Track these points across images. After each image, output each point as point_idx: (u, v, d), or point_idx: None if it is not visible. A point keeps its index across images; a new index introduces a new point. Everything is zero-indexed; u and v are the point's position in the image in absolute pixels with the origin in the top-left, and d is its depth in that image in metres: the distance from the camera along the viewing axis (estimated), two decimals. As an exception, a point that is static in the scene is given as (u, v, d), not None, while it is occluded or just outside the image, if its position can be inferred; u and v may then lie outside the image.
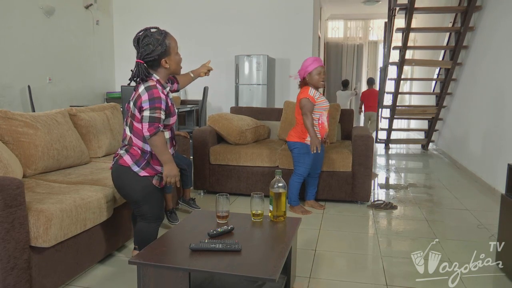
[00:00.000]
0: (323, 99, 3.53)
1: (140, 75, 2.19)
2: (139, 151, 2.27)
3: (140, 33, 2.21)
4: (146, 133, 2.15)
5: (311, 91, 3.48)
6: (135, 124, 2.25)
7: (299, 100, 3.50)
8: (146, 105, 2.14)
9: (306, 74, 3.49)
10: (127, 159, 2.27)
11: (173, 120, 2.30)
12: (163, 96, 2.18)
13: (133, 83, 2.30)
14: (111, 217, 2.55)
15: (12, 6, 5.60)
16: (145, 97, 2.15)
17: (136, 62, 2.20)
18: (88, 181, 2.64)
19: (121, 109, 4.08)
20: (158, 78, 2.24)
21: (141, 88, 2.19)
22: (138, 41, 2.19)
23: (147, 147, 2.27)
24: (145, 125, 2.14)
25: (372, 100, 8.35)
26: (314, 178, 3.74)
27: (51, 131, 2.84)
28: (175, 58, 2.27)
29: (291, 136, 3.61)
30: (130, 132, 2.28)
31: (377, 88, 8.71)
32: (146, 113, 2.14)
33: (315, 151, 3.40)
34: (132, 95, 2.27)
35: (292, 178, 3.58)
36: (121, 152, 2.31)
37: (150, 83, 2.20)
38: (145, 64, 2.20)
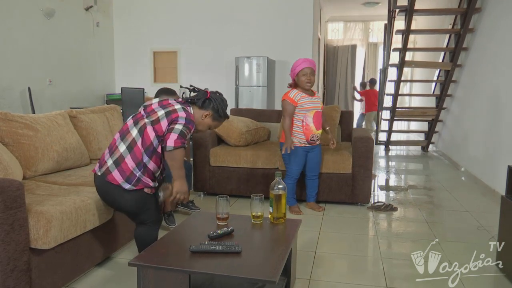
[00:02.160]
0: (307, 100, 3.48)
1: (198, 96, 2.38)
2: (133, 165, 2.18)
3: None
4: (171, 144, 2.11)
5: (292, 93, 3.48)
6: (148, 129, 2.18)
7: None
8: (182, 121, 2.18)
9: (294, 76, 3.49)
10: (117, 176, 2.18)
11: None
12: (193, 126, 2.28)
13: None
14: (111, 219, 2.55)
15: (13, 8, 5.61)
16: (182, 114, 2.21)
17: (207, 91, 2.42)
18: (88, 183, 2.64)
19: (121, 111, 4.08)
20: (193, 113, 2.32)
21: (178, 105, 2.26)
22: (220, 94, 2.45)
23: (146, 159, 2.20)
24: (174, 136, 2.13)
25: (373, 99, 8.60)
26: (311, 180, 3.73)
27: (51, 133, 2.84)
28: (205, 125, 2.42)
29: (281, 137, 3.66)
30: (140, 135, 2.20)
31: (377, 89, 8.84)
32: (179, 127, 2.16)
33: (283, 152, 3.45)
34: (162, 102, 2.30)
35: (285, 179, 3.60)
36: (109, 163, 2.20)
37: (188, 109, 2.29)
38: (208, 98, 2.38)
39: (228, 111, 2.52)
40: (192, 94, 2.47)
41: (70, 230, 2.16)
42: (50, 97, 6.37)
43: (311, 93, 3.55)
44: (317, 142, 3.61)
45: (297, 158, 3.56)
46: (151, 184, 2.27)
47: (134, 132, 2.21)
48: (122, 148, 2.20)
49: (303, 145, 3.55)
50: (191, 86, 2.50)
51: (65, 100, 6.67)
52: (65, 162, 2.94)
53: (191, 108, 2.34)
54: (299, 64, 3.46)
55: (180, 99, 2.44)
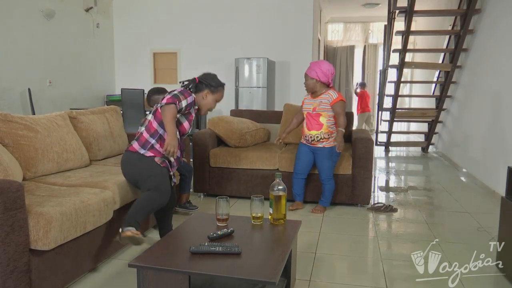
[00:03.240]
0: (306, 101, 3.67)
1: (189, 85, 2.74)
2: (147, 135, 2.60)
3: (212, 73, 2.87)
4: (163, 101, 2.54)
5: (306, 96, 3.75)
6: (159, 109, 2.59)
7: None
8: (177, 91, 2.62)
9: None
10: (135, 145, 2.62)
11: (185, 126, 2.71)
12: (192, 99, 2.65)
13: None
14: (111, 220, 2.55)
15: (13, 9, 5.62)
16: (179, 89, 2.66)
17: (194, 78, 2.78)
18: (88, 184, 2.64)
19: (121, 112, 4.08)
20: (195, 97, 2.71)
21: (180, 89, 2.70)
22: (205, 72, 2.85)
23: (161, 131, 2.59)
24: (168, 96, 2.57)
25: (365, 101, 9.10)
26: (323, 183, 3.72)
27: (51, 134, 2.84)
28: (210, 102, 2.81)
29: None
30: (153, 115, 2.64)
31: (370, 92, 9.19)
32: (175, 92, 2.60)
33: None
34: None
35: None
36: (132, 141, 2.67)
37: (187, 90, 2.70)
38: (198, 82, 2.76)
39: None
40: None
41: (70, 231, 2.16)
42: (50, 98, 6.37)
43: (315, 95, 3.61)
44: (317, 144, 3.58)
45: (298, 152, 3.76)
46: (164, 153, 2.57)
47: (150, 117, 2.67)
48: (142, 129, 2.66)
49: (305, 142, 3.70)
50: (180, 82, 2.81)
51: (65, 101, 6.67)
52: (65, 163, 2.94)
53: (193, 94, 2.71)
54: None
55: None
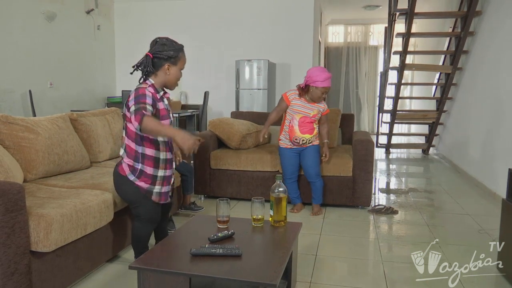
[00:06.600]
0: (299, 103, 3.59)
1: (146, 65, 2.26)
2: (132, 160, 2.33)
3: (162, 37, 2.32)
4: (136, 125, 2.11)
5: (290, 92, 3.67)
6: (128, 125, 2.31)
7: None
8: (132, 102, 2.20)
9: (311, 84, 3.50)
10: (125, 167, 2.35)
11: (165, 124, 2.31)
12: (149, 93, 2.22)
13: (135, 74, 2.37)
14: (112, 222, 2.55)
15: (14, 11, 5.63)
16: (132, 95, 2.24)
17: (146, 54, 2.28)
18: (88, 186, 2.64)
19: (122, 114, 4.08)
20: (153, 82, 2.31)
21: (132, 91, 2.28)
22: (157, 41, 2.30)
23: (140, 149, 2.32)
24: (133, 118, 2.13)
25: None
26: (311, 183, 3.75)
27: (52, 136, 2.84)
28: (177, 72, 2.35)
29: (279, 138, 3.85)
30: (125, 135, 2.35)
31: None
32: (132, 108, 2.17)
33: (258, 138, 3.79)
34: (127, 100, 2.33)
35: None
36: (122, 154, 2.39)
37: (142, 85, 2.28)
38: (152, 58, 2.27)
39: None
40: (141, 69, 2.31)
41: (70, 233, 2.16)
42: (51, 100, 6.38)
43: (312, 101, 3.59)
44: (306, 145, 3.63)
45: (284, 159, 3.75)
46: (150, 181, 2.34)
47: (124, 133, 2.37)
48: (122, 152, 2.39)
49: (289, 146, 3.68)
50: (133, 67, 2.32)
51: (66, 103, 6.68)
52: (66, 165, 2.94)
53: (150, 79, 2.31)
54: (321, 80, 3.44)
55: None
